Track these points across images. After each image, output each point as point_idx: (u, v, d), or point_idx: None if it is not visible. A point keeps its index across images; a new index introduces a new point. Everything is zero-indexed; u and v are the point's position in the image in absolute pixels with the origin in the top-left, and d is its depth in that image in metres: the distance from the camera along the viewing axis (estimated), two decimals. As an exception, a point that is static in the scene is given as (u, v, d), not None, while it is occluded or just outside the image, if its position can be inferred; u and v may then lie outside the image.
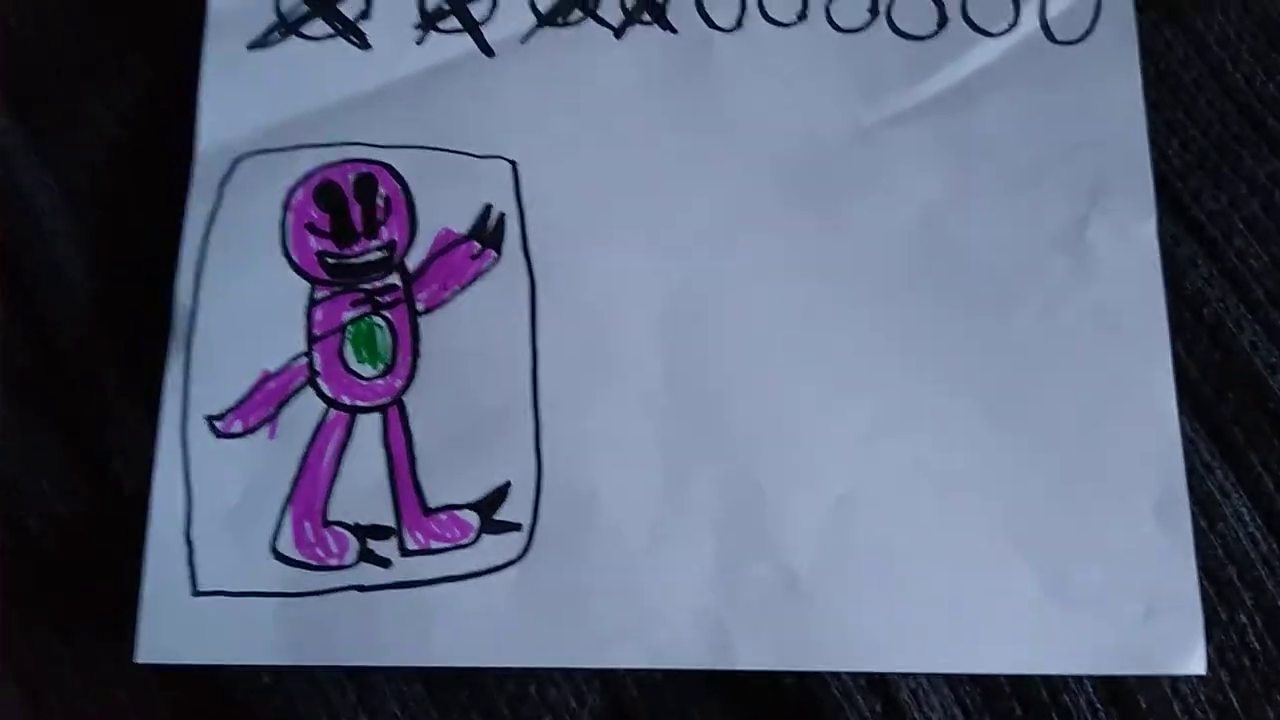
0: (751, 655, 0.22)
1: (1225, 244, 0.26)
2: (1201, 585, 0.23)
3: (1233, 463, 0.24)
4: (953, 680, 0.23)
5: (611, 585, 0.23)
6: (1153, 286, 0.25)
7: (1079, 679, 0.23)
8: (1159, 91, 0.27)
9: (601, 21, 0.26)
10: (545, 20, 0.26)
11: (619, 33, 0.26)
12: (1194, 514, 0.23)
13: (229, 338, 0.24)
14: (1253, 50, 0.27)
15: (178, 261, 0.24)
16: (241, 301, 0.24)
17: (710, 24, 0.26)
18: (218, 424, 0.23)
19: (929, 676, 0.23)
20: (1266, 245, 0.26)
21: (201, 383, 0.23)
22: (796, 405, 0.24)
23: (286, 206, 0.25)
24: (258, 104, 0.25)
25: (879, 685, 0.23)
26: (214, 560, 0.22)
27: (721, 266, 0.25)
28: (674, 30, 0.26)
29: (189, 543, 0.23)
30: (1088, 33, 0.27)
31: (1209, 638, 0.23)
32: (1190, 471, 0.24)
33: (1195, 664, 0.22)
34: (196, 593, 0.22)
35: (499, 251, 0.25)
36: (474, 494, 0.23)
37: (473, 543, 0.23)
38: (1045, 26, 0.27)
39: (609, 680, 0.23)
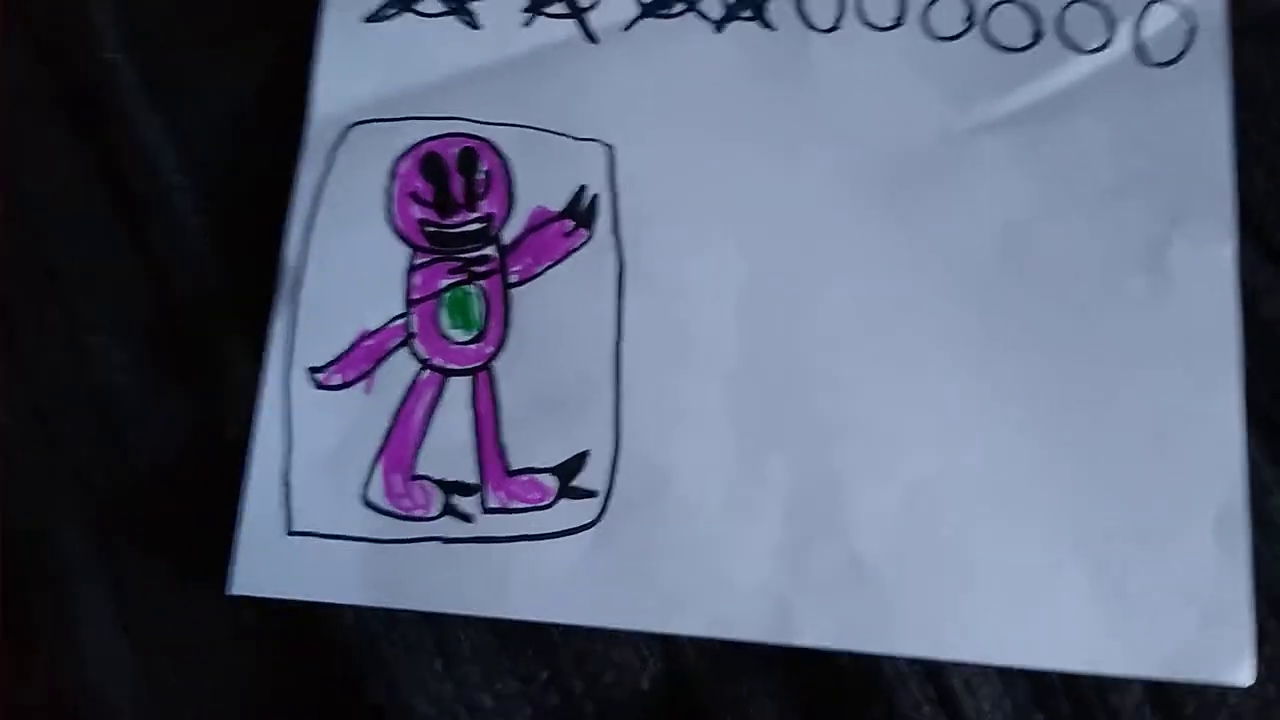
0: (811, 632, 0.23)
1: (1304, 272, 0.26)
2: (1255, 601, 0.23)
3: (1295, 486, 0.25)
4: (1004, 673, 0.23)
5: (680, 555, 0.23)
6: (1227, 310, 0.25)
7: (1128, 681, 0.23)
8: (1248, 115, 0.27)
9: (702, 15, 0.27)
10: (648, 10, 0.27)
11: (719, 27, 0.27)
12: (1254, 533, 0.24)
13: (332, 296, 0.25)
14: (1346, 80, 0.27)
15: (288, 221, 0.25)
16: (345, 262, 0.25)
17: (808, 24, 0.27)
18: (318, 375, 0.25)
19: (982, 668, 0.23)
20: (1344, 275, 0.26)
21: (305, 336, 0.25)
22: (871, 397, 0.24)
23: (392, 175, 0.26)
24: (371, 75, 0.26)
25: (933, 672, 0.23)
26: (308, 503, 0.24)
27: (805, 258, 0.25)
28: (772, 28, 0.27)
29: (286, 485, 0.24)
30: (1181, 55, 0.27)
31: (1260, 652, 0.23)
32: (1252, 491, 0.24)
33: (1243, 675, 0.23)
34: (291, 532, 0.24)
35: (590, 231, 0.25)
36: (554, 459, 0.24)
37: (550, 505, 0.24)
38: (1139, 47, 0.27)
39: (670, 645, 0.24)
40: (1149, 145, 0.26)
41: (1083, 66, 0.27)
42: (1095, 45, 0.27)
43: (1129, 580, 0.23)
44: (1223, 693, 0.23)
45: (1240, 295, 0.25)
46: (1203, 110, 0.26)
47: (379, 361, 0.25)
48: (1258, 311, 0.26)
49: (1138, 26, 0.27)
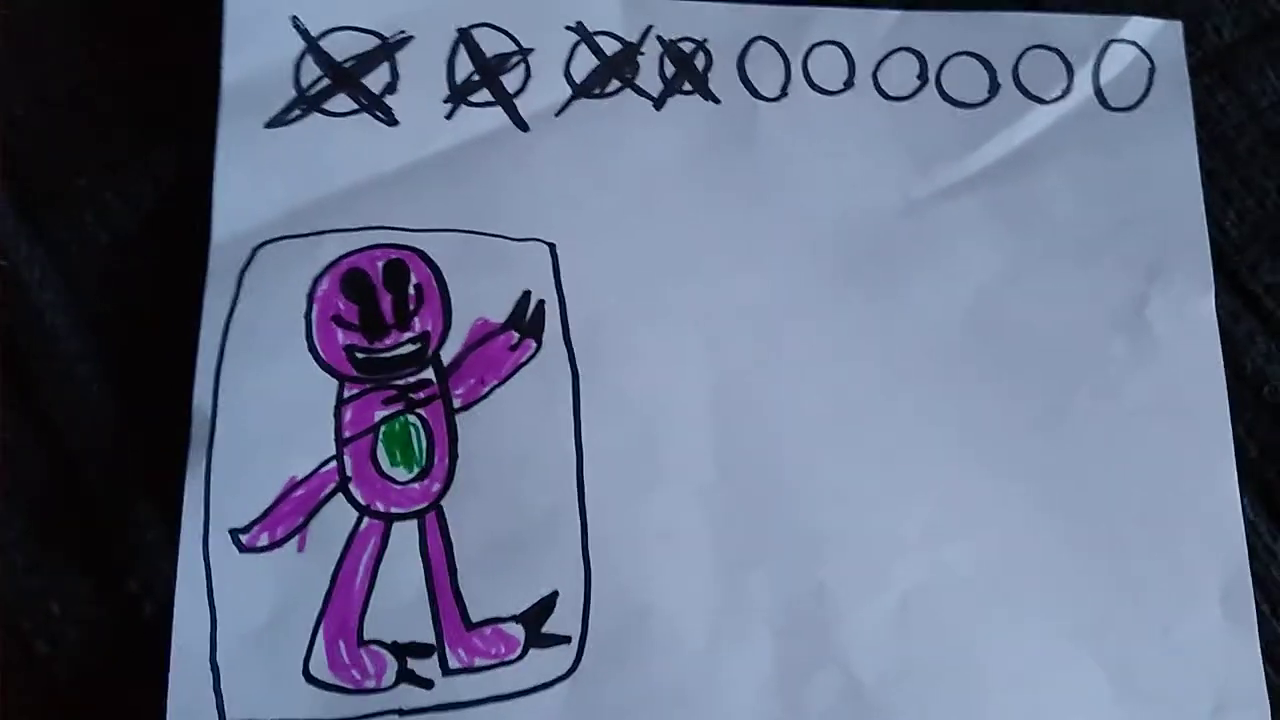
0: (815, 771, 0.21)
1: (1285, 320, 0.25)
2: (1265, 673, 0.22)
3: (1296, 547, 0.23)
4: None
5: (668, 699, 0.21)
6: (1213, 365, 0.24)
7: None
8: (1213, 159, 0.26)
9: (640, 91, 0.25)
10: (581, 91, 0.25)
11: (659, 103, 0.25)
12: (1256, 599, 0.23)
13: (252, 442, 0.22)
14: (1309, 115, 0.26)
15: (195, 359, 0.23)
16: (265, 402, 0.22)
17: (754, 93, 0.25)
18: (242, 537, 0.22)
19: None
20: (1328, 321, 0.25)
21: (224, 493, 0.22)
22: (854, 499, 0.23)
23: (311, 297, 0.23)
24: (277, 187, 0.24)
25: (950, 802, 0.22)
26: (242, 686, 0.21)
27: (772, 351, 0.24)
28: (716, 100, 0.25)
29: (214, 668, 0.21)
30: (1142, 98, 0.26)
31: (1273, 732, 0.22)
32: (1251, 556, 0.23)
33: (1263, 761, 0.22)
34: (225, 722, 0.21)
35: (539, 341, 0.23)
36: (519, 605, 0.22)
37: (519, 658, 0.22)
38: (1099, 92, 0.26)
39: (665, 799, 0.22)
40: (1119, 195, 0.25)
41: (1044, 117, 0.26)
42: (1055, 94, 0.26)
43: (1140, 672, 0.22)
44: (1244, 781, 0.22)
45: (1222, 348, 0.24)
46: (1170, 154, 0.26)
47: (311, 513, 0.22)
48: (1240, 364, 0.25)
49: (1096, 70, 0.26)
